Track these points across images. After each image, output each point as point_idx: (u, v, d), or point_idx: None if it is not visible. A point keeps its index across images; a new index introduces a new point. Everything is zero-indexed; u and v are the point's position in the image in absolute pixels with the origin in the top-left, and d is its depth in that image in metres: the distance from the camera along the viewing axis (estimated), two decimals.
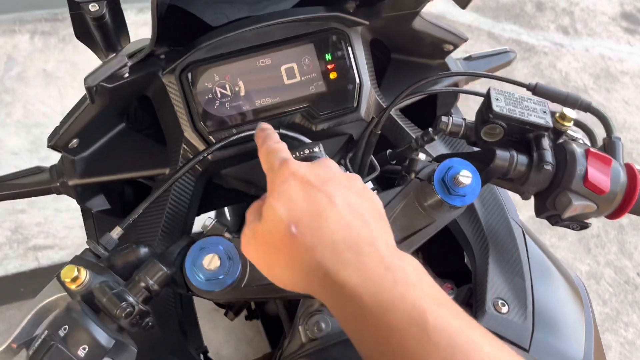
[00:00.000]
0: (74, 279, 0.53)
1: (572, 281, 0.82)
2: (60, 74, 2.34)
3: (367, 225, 0.47)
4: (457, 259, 0.91)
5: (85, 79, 0.58)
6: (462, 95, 0.90)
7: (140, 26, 2.63)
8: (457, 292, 0.87)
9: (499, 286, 0.74)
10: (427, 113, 0.93)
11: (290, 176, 0.49)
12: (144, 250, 0.60)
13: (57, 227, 1.86)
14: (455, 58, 0.92)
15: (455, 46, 0.84)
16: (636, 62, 3.34)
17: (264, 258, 0.50)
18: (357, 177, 0.54)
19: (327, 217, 0.47)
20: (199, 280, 0.57)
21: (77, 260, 0.59)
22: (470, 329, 0.40)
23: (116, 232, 0.64)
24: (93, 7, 0.72)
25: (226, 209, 1.38)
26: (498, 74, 0.92)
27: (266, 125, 0.63)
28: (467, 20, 3.40)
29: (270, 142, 0.58)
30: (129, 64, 0.62)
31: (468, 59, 0.93)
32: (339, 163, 0.78)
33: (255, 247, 0.50)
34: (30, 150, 2.09)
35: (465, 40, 0.83)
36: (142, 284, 0.56)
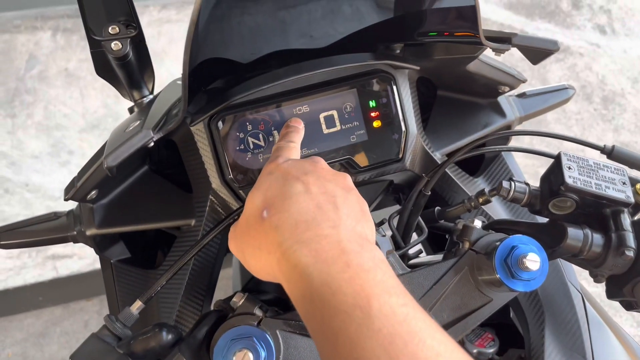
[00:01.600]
0: None
1: (633, 349, 0.74)
2: (82, 73, 2.29)
3: (336, 210, 0.47)
4: (501, 309, 0.84)
5: (106, 158, 0.52)
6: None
7: (163, 23, 2.56)
8: (505, 357, 0.80)
9: None
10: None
11: (275, 168, 0.51)
12: (166, 336, 0.54)
13: None
14: (508, 95, 0.83)
15: (512, 88, 0.75)
16: None
17: (242, 248, 0.50)
18: (346, 175, 0.53)
19: (297, 201, 0.47)
20: None
21: (93, 343, 0.53)
22: (416, 320, 0.40)
23: (136, 306, 0.58)
24: (116, 45, 0.65)
25: None
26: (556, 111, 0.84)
27: (296, 123, 0.63)
28: (499, 18, 3.26)
29: (284, 141, 0.59)
30: (155, 138, 0.55)
31: (522, 95, 0.85)
32: (382, 222, 0.70)
33: (235, 240, 0.52)
34: (50, 153, 2.06)
35: (523, 81, 0.74)
36: None
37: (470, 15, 0.56)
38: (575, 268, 0.78)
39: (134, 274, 0.75)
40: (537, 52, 0.58)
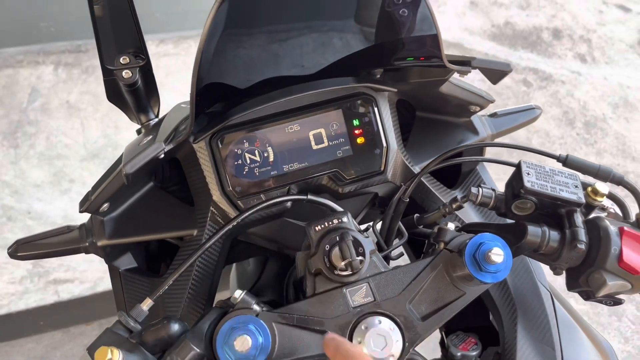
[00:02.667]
0: None
1: (603, 347, 0.80)
2: (83, 105, 2.38)
3: None
4: (482, 314, 0.90)
5: (124, 166, 0.59)
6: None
7: (161, 57, 2.67)
8: (484, 355, 0.86)
9: (529, 355, 0.73)
10: (454, 168, 0.93)
11: None
12: (174, 326, 0.60)
13: (77, 261, 1.87)
14: (481, 115, 0.92)
15: (482, 107, 0.84)
16: None
17: None
18: None
19: None
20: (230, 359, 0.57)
21: (109, 336, 0.59)
22: None
23: (146, 304, 0.64)
24: (126, 74, 0.74)
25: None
26: (523, 130, 0.92)
27: (334, 336, 0.59)
28: (484, 49, 3.40)
29: (346, 347, 0.56)
30: (166, 149, 0.63)
31: (493, 115, 0.93)
32: (366, 229, 0.77)
33: None
34: (52, 182, 2.12)
35: (491, 102, 0.83)
36: None
37: (434, 42, 0.65)
38: (546, 271, 0.86)
39: (140, 282, 0.81)
40: (494, 73, 0.67)
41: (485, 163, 0.96)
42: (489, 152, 0.91)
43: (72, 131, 2.29)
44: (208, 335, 0.60)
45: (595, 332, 0.83)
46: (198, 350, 0.57)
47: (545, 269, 0.84)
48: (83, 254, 0.82)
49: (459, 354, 0.88)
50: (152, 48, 2.66)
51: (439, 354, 0.92)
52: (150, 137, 0.66)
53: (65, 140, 2.27)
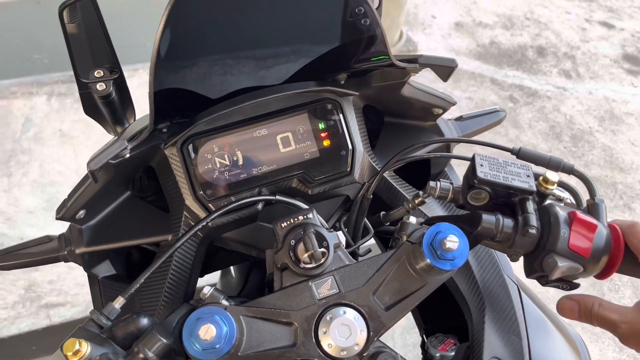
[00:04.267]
0: (76, 352, 0.55)
1: (570, 337, 0.82)
2: (76, 133, 2.43)
3: None
4: (460, 314, 0.92)
5: (88, 164, 0.62)
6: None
7: (134, 89, 2.72)
8: (456, 350, 0.87)
9: (496, 345, 0.75)
10: (423, 170, 0.96)
11: None
12: (143, 320, 0.62)
13: (69, 285, 1.89)
14: (448, 119, 0.95)
15: (444, 110, 0.87)
16: None
17: None
18: None
19: None
20: (196, 350, 0.59)
21: (80, 332, 0.61)
22: None
23: (118, 301, 0.66)
24: (100, 86, 0.77)
25: (231, 268, 1.41)
26: (488, 133, 0.96)
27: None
28: (470, 68, 3.47)
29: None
30: (130, 147, 0.66)
31: (459, 119, 0.97)
32: (335, 227, 0.80)
33: None
34: (45, 208, 2.15)
35: (453, 104, 0.86)
36: (141, 355, 0.58)
37: (381, 41, 0.69)
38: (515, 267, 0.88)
39: (118, 288, 0.83)
40: (442, 69, 0.71)
41: (454, 166, 0.99)
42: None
43: (65, 158, 2.33)
44: (177, 329, 0.63)
45: (565, 324, 0.85)
46: (165, 341, 0.59)
47: (517, 268, 0.87)
48: (64, 265, 0.85)
49: (437, 354, 0.90)
50: (143, 76, 2.72)
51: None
52: (116, 137, 0.69)
53: (58, 167, 2.30)
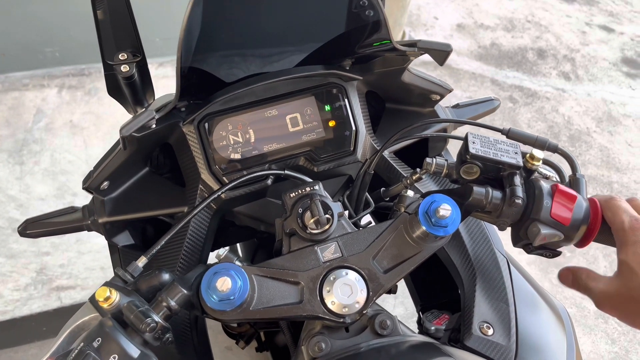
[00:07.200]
0: (107, 299, 0.62)
1: (555, 307, 0.89)
2: (86, 124, 2.49)
3: None
4: (454, 290, 0.98)
5: (121, 130, 0.69)
6: (452, 140, 1.00)
7: (160, 79, 2.80)
8: (449, 319, 0.94)
9: (485, 311, 0.82)
10: (421, 155, 1.02)
11: None
12: (165, 275, 0.69)
13: (79, 269, 1.95)
14: (445, 106, 1.02)
15: (442, 96, 0.94)
16: (638, 105, 3.43)
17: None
18: None
19: None
20: (213, 301, 0.65)
21: (108, 285, 0.68)
22: None
23: (141, 261, 0.73)
24: (124, 68, 0.84)
25: (238, 245, 1.47)
26: (485, 119, 1.03)
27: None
28: (471, 68, 3.54)
29: (619, 202, 0.70)
30: (157, 117, 0.73)
31: (456, 106, 1.04)
32: (338, 200, 0.87)
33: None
34: (56, 195, 2.22)
35: (450, 90, 0.93)
36: (164, 304, 0.64)
37: (383, 26, 0.76)
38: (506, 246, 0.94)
39: (136, 256, 0.90)
40: (438, 53, 0.77)
41: (450, 150, 1.06)
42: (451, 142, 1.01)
43: (75, 148, 2.40)
44: (195, 283, 0.69)
45: (550, 296, 0.91)
46: (186, 291, 0.66)
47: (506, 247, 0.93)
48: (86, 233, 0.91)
49: (432, 327, 0.96)
50: (152, 70, 2.78)
51: None
52: (143, 109, 0.76)
53: (69, 157, 2.37)
